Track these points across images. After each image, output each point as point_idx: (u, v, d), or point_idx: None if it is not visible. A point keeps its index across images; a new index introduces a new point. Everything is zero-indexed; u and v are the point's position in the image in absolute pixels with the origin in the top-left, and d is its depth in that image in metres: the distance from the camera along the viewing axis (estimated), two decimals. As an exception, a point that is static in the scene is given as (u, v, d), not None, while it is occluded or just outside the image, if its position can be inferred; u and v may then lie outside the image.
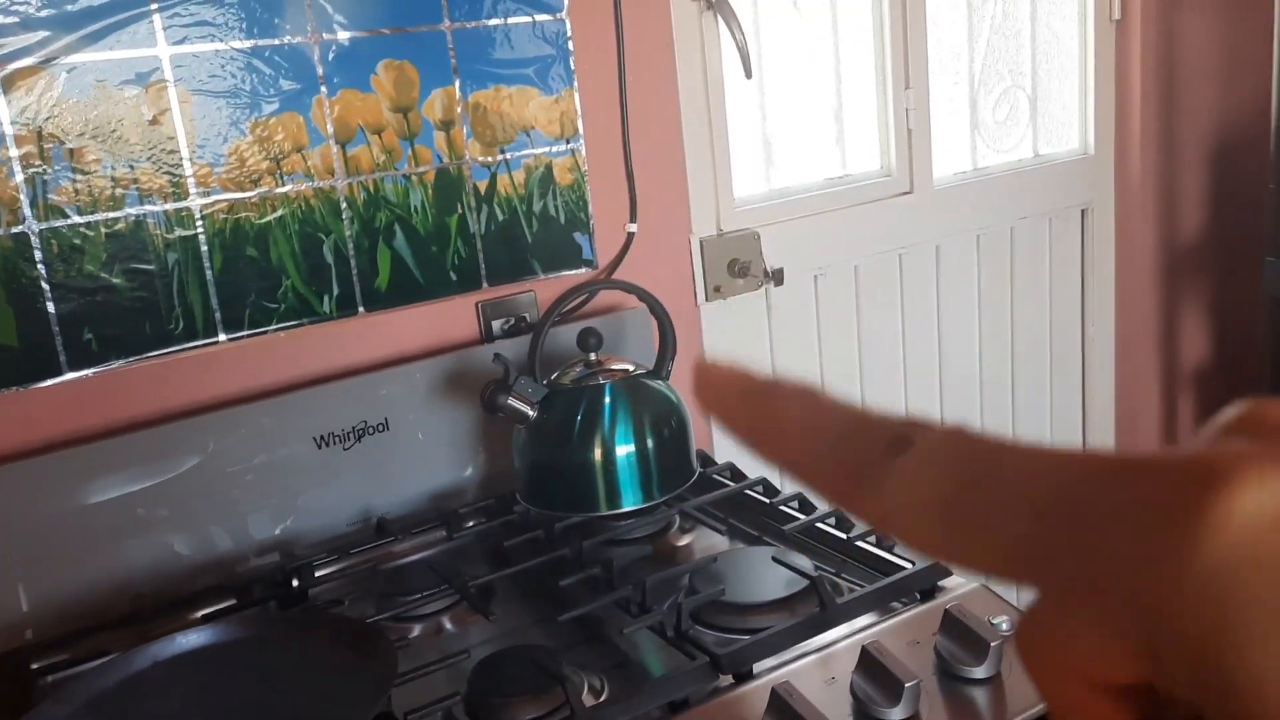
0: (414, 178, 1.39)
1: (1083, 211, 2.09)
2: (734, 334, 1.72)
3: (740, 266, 1.66)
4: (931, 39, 1.85)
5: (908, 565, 1.13)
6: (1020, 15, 2.01)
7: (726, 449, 1.58)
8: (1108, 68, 2.03)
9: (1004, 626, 1.02)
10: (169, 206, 1.24)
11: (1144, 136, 2.05)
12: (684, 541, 1.31)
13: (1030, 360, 2.10)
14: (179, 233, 1.25)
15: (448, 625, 1.16)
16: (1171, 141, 2.08)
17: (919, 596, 1.10)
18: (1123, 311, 2.14)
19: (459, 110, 1.40)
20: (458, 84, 1.40)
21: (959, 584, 1.11)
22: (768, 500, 1.32)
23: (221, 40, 1.24)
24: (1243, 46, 2.06)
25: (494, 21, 1.41)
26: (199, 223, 1.26)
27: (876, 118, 1.85)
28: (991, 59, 2.00)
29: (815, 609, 1.06)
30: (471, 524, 1.34)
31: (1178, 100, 2.06)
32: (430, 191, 1.40)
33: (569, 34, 1.46)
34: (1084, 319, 2.14)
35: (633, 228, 1.56)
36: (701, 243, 1.64)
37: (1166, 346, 2.16)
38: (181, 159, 1.24)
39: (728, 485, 1.36)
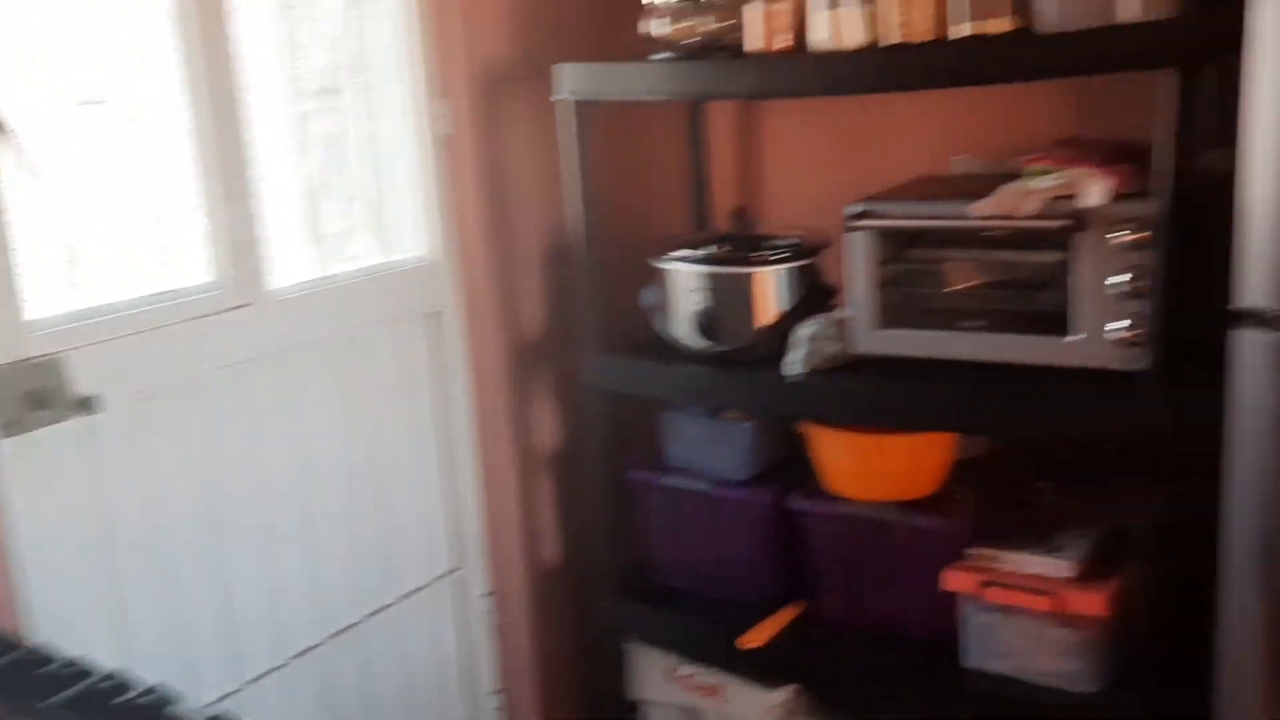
0: None
1: (436, 315, 2.19)
2: (48, 478, 1.54)
3: (41, 397, 1.50)
4: (260, 150, 1.82)
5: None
6: (358, 130, 2.07)
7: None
8: (443, 180, 2.16)
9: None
10: None
11: (485, 244, 2.20)
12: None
13: (399, 455, 2.15)
14: None
15: None
16: (509, 248, 2.26)
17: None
18: (480, 405, 2.27)
19: None
20: None
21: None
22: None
23: None
24: (555, 161, 2.29)
25: None
26: None
27: (205, 231, 1.78)
28: (332, 169, 2.04)
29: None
30: None
31: (511, 210, 2.25)
32: None
33: None
34: (447, 415, 2.24)
35: (-111, 363, 1.34)
36: (-11, 374, 1.46)
37: (521, 433, 2.32)
38: None
39: None
